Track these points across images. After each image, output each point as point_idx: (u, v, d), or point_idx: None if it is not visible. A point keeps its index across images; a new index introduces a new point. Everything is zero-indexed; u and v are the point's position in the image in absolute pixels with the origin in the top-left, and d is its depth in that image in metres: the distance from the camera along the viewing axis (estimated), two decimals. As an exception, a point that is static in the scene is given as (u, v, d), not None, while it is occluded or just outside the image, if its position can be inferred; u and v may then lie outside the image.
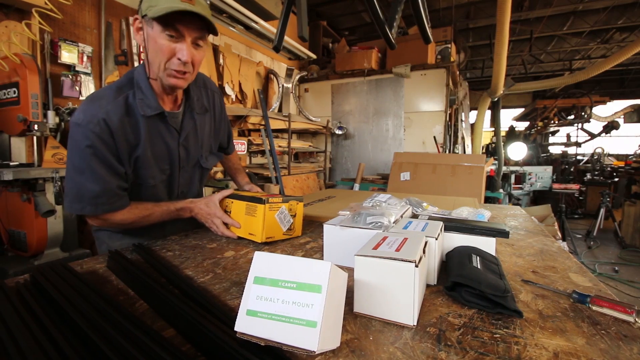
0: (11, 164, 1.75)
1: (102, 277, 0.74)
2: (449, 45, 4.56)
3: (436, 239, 0.67)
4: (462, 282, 0.58)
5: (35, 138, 1.88)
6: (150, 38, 0.89)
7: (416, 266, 0.50)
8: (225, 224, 1.04)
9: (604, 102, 8.34)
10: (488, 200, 3.90)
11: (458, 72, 5.19)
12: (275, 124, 3.84)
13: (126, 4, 2.85)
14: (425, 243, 0.63)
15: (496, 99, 4.39)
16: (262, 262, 0.44)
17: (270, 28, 3.50)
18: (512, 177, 4.95)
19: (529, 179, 5.03)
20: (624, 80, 11.20)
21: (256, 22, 3.31)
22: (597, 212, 4.97)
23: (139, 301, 0.61)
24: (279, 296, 0.41)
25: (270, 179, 3.51)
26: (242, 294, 0.64)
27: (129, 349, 0.42)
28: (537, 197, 6.36)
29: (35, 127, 1.78)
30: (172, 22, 0.85)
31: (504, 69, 3.77)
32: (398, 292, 0.51)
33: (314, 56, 4.76)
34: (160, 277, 0.70)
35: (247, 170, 3.39)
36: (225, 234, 1.02)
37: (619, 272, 3.78)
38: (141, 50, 0.91)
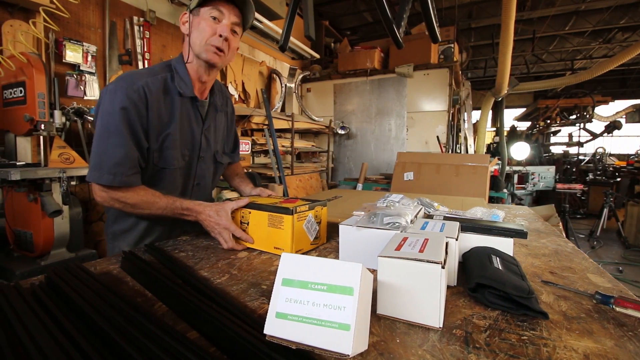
0: (18, 163, 1.75)
1: (116, 278, 0.74)
2: (452, 45, 4.55)
3: (456, 240, 0.66)
4: (485, 284, 0.57)
5: (41, 138, 1.87)
6: (194, 23, 1.02)
7: (442, 267, 0.49)
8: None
9: (606, 102, 8.33)
10: (492, 200, 3.89)
11: (460, 72, 5.18)
12: (278, 124, 3.84)
13: (130, 3, 2.84)
14: (446, 244, 0.62)
15: (500, 99, 4.38)
16: (290, 264, 0.44)
17: (274, 27, 3.50)
18: (515, 177, 4.94)
19: (532, 179, 5.03)
20: (626, 80, 11.20)
21: (260, 22, 3.30)
22: (600, 212, 4.96)
23: (158, 303, 0.61)
24: (309, 298, 0.40)
25: (274, 179, 3.50)
26: (261, 295, 0.64)
27: (155, 351, 0.42)
28: (540, 197, 6.35)
29: (42, 126, 1.78)
30: (217, 4, 1.00)
31: (508, 68, 3.76)
32: (423, 294, 0.51)
33: (317, 56, 4.75)
34: (177, 278, 0.69)
35: (250, 170, 3.39)
36: (235, 249, 0.93)
37: (623, 272, 3.77)
38: (187, 35, 1.05)
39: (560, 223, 3.70)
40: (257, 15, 3.23)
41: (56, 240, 1.84)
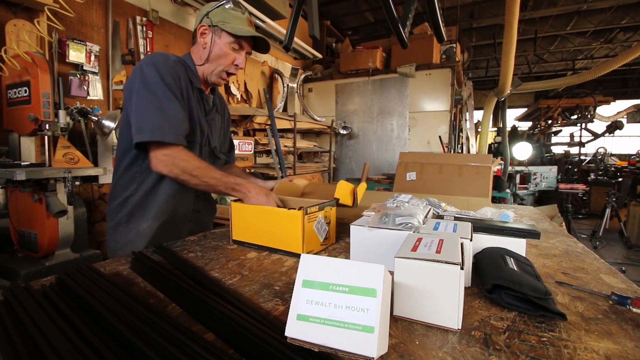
0: (22, 163, 1.74)
1: (127, 279, 0.73)
2: (454, 45, 4.54)
3: (470, 240, 0.66)
4: (502, 285, 0.57)
5: (46, 138, 1.87)
6: (216, 44, 1.12)
7: (462, 268, 0.49)
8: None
9: (607, 102, 8.32)
10: (494, 200, 3.88)
11: (462, 72, 5.18)
12: (280, 124, 3.83)
13: (133, 3, 2.84)
14: (461, 244, 0.61)
15: (503, 99, 4.37)
16: (310, 265, 0.43)
17: (277, 27, 3.49)
18: (517, 177, 4.93)
19: (534, 179, 5.01)
20: (627, 80, 11.20)
21: (264, 22, 3.30)
22: (602, 212, 4.95)
23: (171, 304, 0.60)
24: (331, 300, 0.40)
25: (276, 179, 3.50)
26: (274, 297, 0.63)
27: (174, 352, 0.41)
28: (541, 197, 6.33)
29: (47, 126, 1.77)
30: (241, 39, 1.12)
31: (511, 68, 3.75)
32: (442, 295, 0.50)
33: (320, 55, 4.75)
34: (188, 279, 0.68)
35: (252, 170, 3.38)
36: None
37: (626, 273, 3.77)
38: (204, 47, 1.14)
39: (564, 223, 3.69)
40: (260, 15, 3.22)
41: (61, 241, 1.84)
